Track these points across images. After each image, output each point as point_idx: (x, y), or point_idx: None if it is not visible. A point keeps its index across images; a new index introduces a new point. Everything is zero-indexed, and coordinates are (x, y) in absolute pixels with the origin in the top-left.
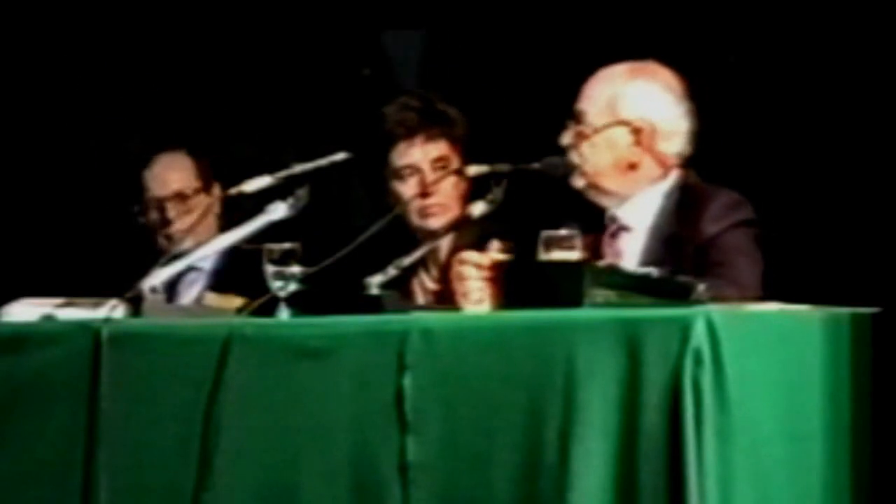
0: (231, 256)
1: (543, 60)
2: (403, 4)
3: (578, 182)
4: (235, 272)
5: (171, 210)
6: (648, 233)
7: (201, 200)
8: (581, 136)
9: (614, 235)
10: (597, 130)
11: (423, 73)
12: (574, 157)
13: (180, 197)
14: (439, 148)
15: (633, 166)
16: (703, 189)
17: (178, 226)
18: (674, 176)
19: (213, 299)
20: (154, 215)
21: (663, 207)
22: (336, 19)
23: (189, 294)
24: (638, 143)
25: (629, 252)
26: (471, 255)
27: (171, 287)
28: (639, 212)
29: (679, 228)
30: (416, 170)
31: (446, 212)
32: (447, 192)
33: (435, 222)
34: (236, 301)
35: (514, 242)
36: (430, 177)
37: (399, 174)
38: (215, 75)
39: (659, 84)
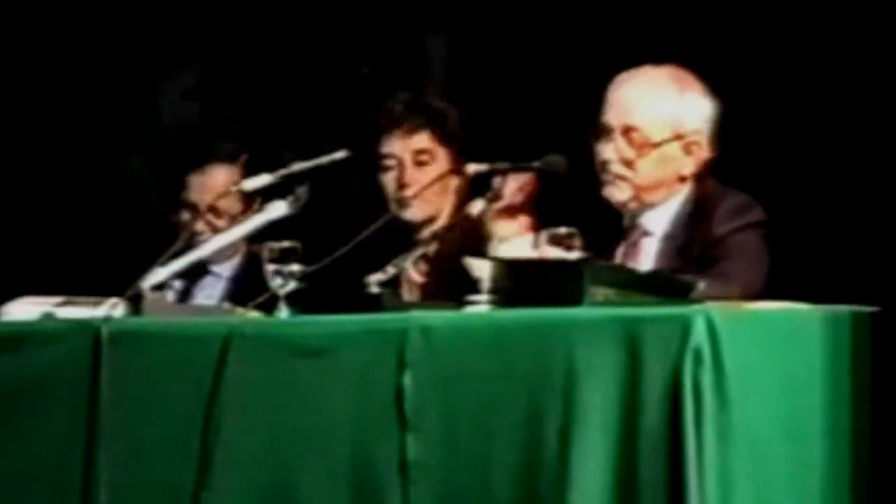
0: (250, 265)
1: (559, 60)
2: (406, 5)
3: (620, 195)
4: (254, 281)
5: (222, 214)
6: (664, 237)
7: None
8: (640, 151)
9: (636, 241)
10: (655, 146)
11: (450, 74)
12: (621, 171)
13: (228, 202)
14: (421, 140)
15: (682, 179)
16: (715, 191)
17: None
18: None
19: None
20: (198, 219)
21: (680, 211)
22: (336, 18)
23: (205, 297)
24: (689, 154)
25: (647, 256)
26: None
27: (186, 288)
28: (660, 217)
29: (691, 231)
30: (396, 159)
31: (423, 203)
32: (424, 184)
33: (409, 213)
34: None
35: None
36: (409, 168)
37: (382, 164)
38: (217, 74)
39: (704, 94)
